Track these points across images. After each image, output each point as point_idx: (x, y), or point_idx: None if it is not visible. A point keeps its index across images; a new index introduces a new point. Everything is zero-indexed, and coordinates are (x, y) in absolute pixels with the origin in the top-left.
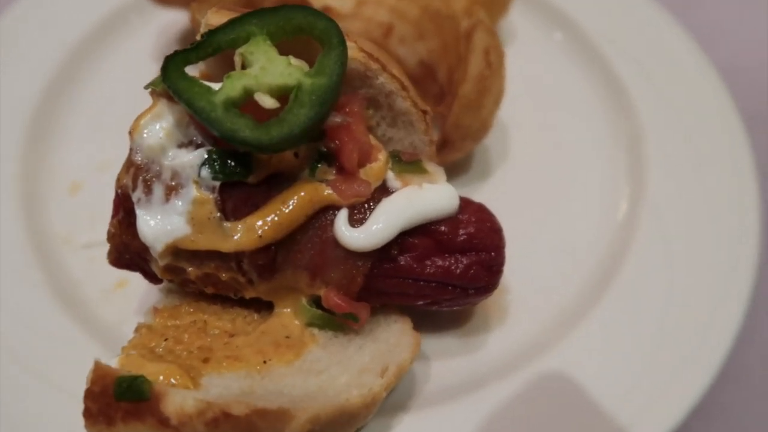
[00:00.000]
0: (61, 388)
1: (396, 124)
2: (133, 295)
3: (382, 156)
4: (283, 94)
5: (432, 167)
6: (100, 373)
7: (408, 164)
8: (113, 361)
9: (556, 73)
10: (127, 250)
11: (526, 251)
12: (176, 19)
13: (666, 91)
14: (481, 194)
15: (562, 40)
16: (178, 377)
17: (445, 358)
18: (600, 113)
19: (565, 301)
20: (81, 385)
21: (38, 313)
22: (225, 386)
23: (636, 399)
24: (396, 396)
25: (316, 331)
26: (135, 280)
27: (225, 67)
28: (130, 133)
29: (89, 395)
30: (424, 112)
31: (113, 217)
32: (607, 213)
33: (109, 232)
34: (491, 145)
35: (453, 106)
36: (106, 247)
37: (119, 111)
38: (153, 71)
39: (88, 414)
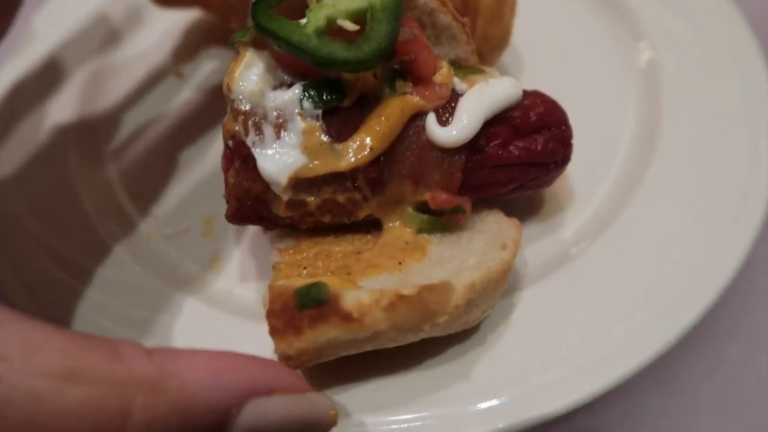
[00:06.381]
0: None
1: (440, 41)
2: (231, 267)
3: (444, 64)
4: (358, 18)
5: (486, 68)
6: (276, 293)
7: (467, 68)
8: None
9: None
10: (248, 195)
11: None
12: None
13: None
14: None
15: None
16: (340, 283)
17: (534, 242)
18: (600, 19)
19: (616, 175)
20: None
21: (156, 299)
22: (381, 283)
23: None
24: (512, 274)
25: (426, 235)
26: (228, 253)
27: None
28: (228, 86)
29: (272, 314)
30: (463, 24)
31: (228, 168)
32: (629, 100)
33: (228, 183)
34: (506, 62)
35: (476, 20)
36: (187, 235)
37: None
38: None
39: (275, 331)
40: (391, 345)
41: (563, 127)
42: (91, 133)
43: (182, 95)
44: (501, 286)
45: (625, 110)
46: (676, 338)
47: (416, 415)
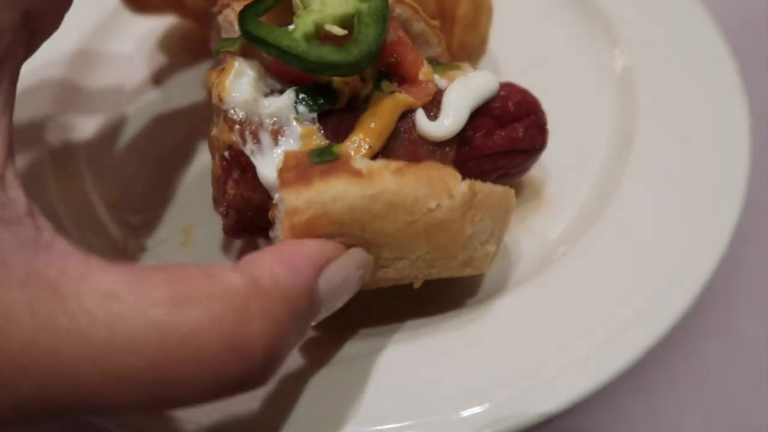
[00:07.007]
0: None
1: (415, 45)
2: None
3: (424, 62)
4: (345, 23)
5: (461, 63)
6: (290, 155)
7: (444, 65)
8: None
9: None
10: (249, 206)
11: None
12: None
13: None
14: None
15: None
16: None
17: (515, 247)
18: (576, 26)
19: (594, 178)
20: None
21: None
22: None
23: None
24: (495, 278)
25: None
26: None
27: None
28: (219, 96)
29: (285, 169)
30: (433, 27)
31: (226, 180)
32: (606, 106)
33: (228, 195)
34: (483, 69)
35: (454, 28)
36: (165, 245)
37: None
38: None
39: (285, 183)
40: (397, 232)
41: (539, 114)
42: (65, 141)
43: (158, 103)
44: (504, 212)
45: (602, 115)
46: (658, 339)
47: (400, 424)
